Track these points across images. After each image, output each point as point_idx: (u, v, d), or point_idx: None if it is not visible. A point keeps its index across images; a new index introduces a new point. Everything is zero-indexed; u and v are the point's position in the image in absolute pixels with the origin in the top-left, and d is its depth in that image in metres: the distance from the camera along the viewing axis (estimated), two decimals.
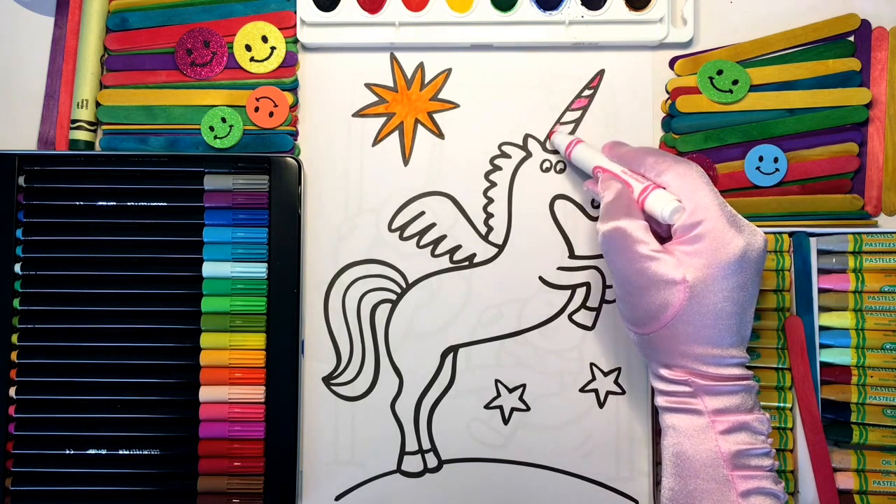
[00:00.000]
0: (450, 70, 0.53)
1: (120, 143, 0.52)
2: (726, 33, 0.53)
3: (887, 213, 0.52)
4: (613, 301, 0.52)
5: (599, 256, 0.52)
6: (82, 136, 0.52)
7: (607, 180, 0.46)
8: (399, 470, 0.52)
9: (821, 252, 0.50)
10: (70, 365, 0.51)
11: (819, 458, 0.49)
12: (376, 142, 0.53)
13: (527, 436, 0.52)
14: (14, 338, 0.50)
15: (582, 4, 0.52)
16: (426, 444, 0.52)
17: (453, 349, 0.52)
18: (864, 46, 0.52)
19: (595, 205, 0.53)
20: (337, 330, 0.52)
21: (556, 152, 0.53)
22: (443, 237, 0.52)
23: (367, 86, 0.53)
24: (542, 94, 0.53)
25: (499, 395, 0.52)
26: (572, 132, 0.53)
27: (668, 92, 0.53)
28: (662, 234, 0.45)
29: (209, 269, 0.51)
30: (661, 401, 0.43)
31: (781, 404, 0.50)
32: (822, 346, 0.50)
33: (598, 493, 0.51)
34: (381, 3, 0.52)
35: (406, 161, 0.53)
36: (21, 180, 0.51)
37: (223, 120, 0.52)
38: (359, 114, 0.53)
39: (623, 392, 0.52)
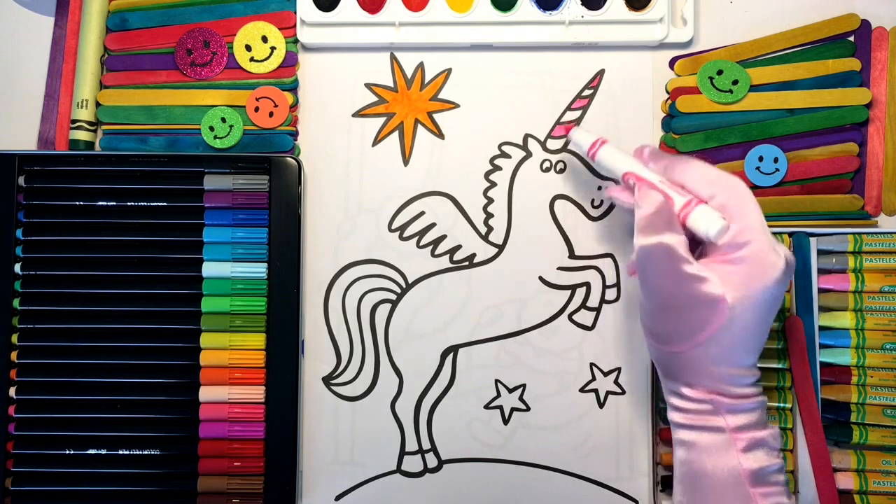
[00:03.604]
0: (450, 70, 0.53)
1: (120, 143, 0.52)
2: (726, 33, 0.53)
3: (887, 213, 0.52)
4: (613, 301, 0.52)
5: (599, 256, 0.52)
6: (82, 136, 0.52)
7: (645, 190, 0.43)
8: (399, 470, 0.52)
9: (821, 252, 0.50)
10: (70, 365, 0.51)
11: (819, 458, 0.49)
12: (376, 142, 0.53)
13: (527, 436, 0.52)
14: (14, 338, 0.50)
15: (582, 4, 0.52)
16: (426, 444, 0.52)
17: (453, 349, 0.52)
18: (864, 46, 0.52)
19: (596, 204, 0.52)
20: (337, 330, 0.52)
21: (556, 152, 0.53)
22: (443, 237, 0.52)
23: (367, 86, 0.53)
24: (542, 94, 0.53)
25: (499, 395, 0.52)
26: None
27: (668, 92, 0.53)
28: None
29: (209, 269, 0.51)
30: (678, 417, 0.42)
31: (781, 404, 0.50)
32: (822, 346, 0.50)
33: (598, 493, 0.51)
34: (381, 3, 0.52)
35: (406, 161, 0.53)
36: (21, 180, 0.51)
37: (223, 120, 0.52)
38: (359, 114, 0.53)
39: (623, 392, 0.52)
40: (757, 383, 0.41)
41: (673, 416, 0.42)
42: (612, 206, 0.53)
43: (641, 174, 0.44)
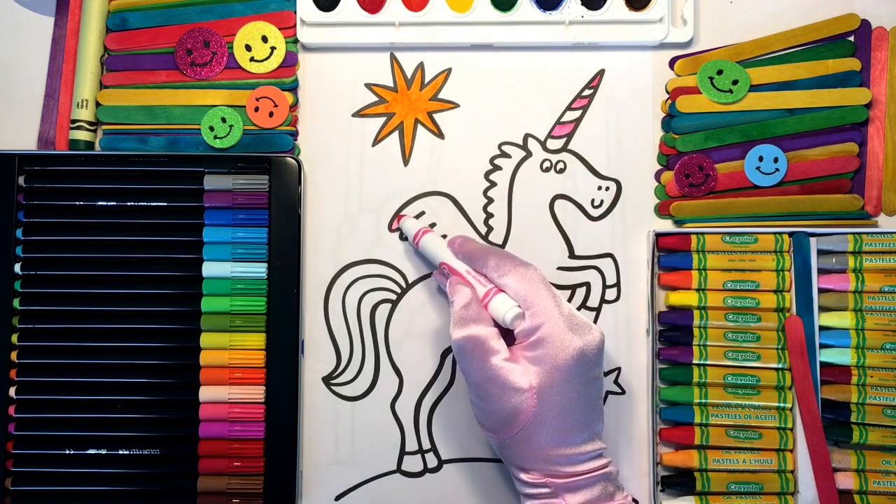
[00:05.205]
0: (450, 70, 0.53)
1: (120, 143, 0.52)
2: (726, 33, 0.53)
3: (887, 213, 0.52)
4: (613, 301, 0.52)
5: (599, 256, 0.52)
6: (82, 136, 0.52)
7: (456, 284, 0.46)
8: (399, 470, 0.52)
9: (821, 252, 0.50)
10: (70, 365, 0.51)
11: (819, 458, 0.49)
12: (376, 142, 0.53)
13: None
14: (14, 338, 0.50)
15: (582, 4, 0.52)
16: (426, 444, 0.52)
17: None
18: (864, 46, 0.52)
19: (596, 204, 0.52)
20: (337, 330, 0.52)
21: (556, 152, 0.53)
22: (443, 237, 0.52)
23: (367, 86, 0.53)
24: (542, 94, 0.53)
25: None
26: (572, 132, 0.53)
27: (668, 92, 0.53)
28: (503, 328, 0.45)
29: (209, 269, 0.51)
30: (525, 500, 0.44)
31: (781, 404, 0.50)
32: (822, 346, 0.50)
33: None
34: (381, 3, 0.52)
35: (406, 161, 0.53)
36: (21, 180, 0.51)
37: (223, 120, 0.52)
38: (359, 114, 0.53)
39: (623, 392, 0.52)
40: (596, 456, 0.43)
41: (522, 500, 0.44)
42: (612, 206, 0.53)
43: (452, 264, 0.48)
